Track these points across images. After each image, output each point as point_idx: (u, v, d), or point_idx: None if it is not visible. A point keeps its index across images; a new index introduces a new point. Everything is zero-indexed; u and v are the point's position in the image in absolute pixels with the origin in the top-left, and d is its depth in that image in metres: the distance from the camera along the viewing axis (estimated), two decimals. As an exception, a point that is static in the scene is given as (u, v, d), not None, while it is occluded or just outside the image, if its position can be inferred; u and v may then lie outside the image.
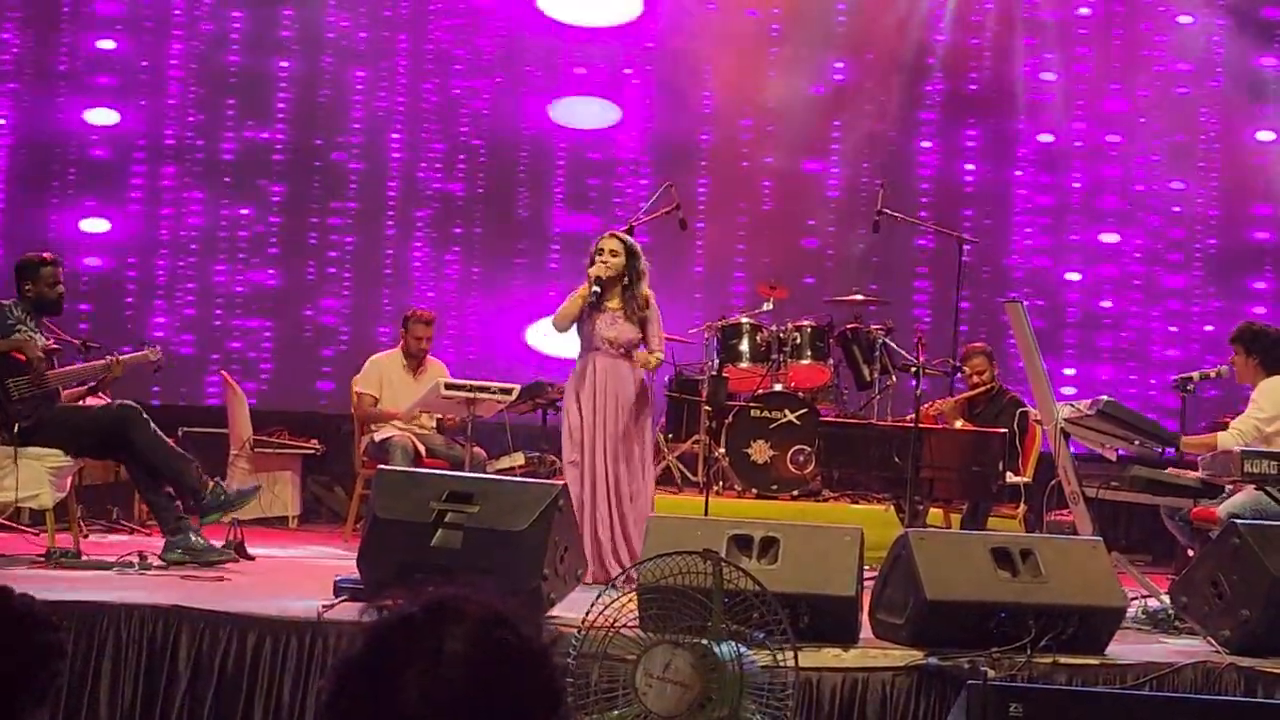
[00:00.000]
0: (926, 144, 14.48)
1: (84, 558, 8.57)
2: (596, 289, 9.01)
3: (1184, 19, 14.42)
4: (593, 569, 8.35)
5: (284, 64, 13.90)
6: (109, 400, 9.13)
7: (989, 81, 14.49)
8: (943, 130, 14.49)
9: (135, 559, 8.37)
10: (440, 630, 2.40)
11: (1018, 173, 14.52)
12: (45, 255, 9.17)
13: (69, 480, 8.92)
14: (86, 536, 9.40)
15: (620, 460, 8.95)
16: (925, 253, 14.13)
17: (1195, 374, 9.43)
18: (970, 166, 14.46)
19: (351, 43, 13.98)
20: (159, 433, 8.83)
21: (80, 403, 9.17)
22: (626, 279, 9.10)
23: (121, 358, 9.09)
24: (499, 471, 10.77)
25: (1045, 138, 14.49)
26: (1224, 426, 9.08)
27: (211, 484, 8.87)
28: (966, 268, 10.64)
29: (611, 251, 9.10)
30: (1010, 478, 9.85)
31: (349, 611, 6.77)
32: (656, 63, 14.26)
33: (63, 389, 8.96)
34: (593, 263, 9.11)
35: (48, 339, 8.95)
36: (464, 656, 2.39)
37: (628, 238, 9.36)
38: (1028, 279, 14.34)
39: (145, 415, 8.76)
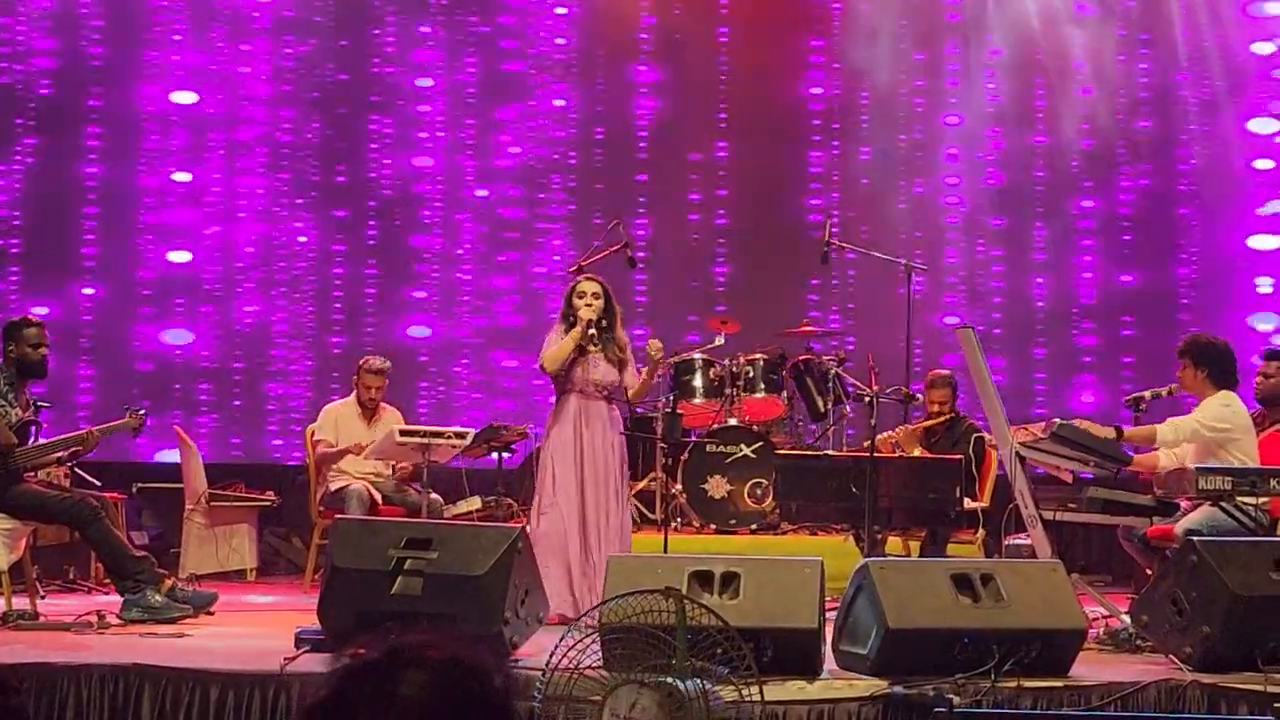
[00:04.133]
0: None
1: (42, 619, 8.53)
2: (592, 332, 9.11)
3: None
4: (571, 611, 8.48)
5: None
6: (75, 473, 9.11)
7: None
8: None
9: (94, 619, 8.32)
10: (397, 676, 2.40)
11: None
12: (29, 317, 9.13)
13: (24, 542, 8.88)
14: (43, 597, 9.33)
15: (601, 502, 9.03)
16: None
17: (1147, 392, 9.47)
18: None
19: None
20: (113, 531, 8.80)
21: (52, 472, 9.19)
22: (605, 321, 9.20)
23: (95, 429, 9.04)
24: (456, 516, 10.75)
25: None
26: None
27: (170, 583, 8.83)
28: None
29: (594, 294, 9.24)
30: (968, 503, 9.86)
31: (311, 663, 6.75)
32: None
33: (36, 464, 8.92)
34: (572, 306, 9.23)
35: (24, 411, 8.88)
36: (419, 702, 2.39)
37: (603, 281, 9.46)
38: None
39: (102, 513, 8.72)
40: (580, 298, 9.27)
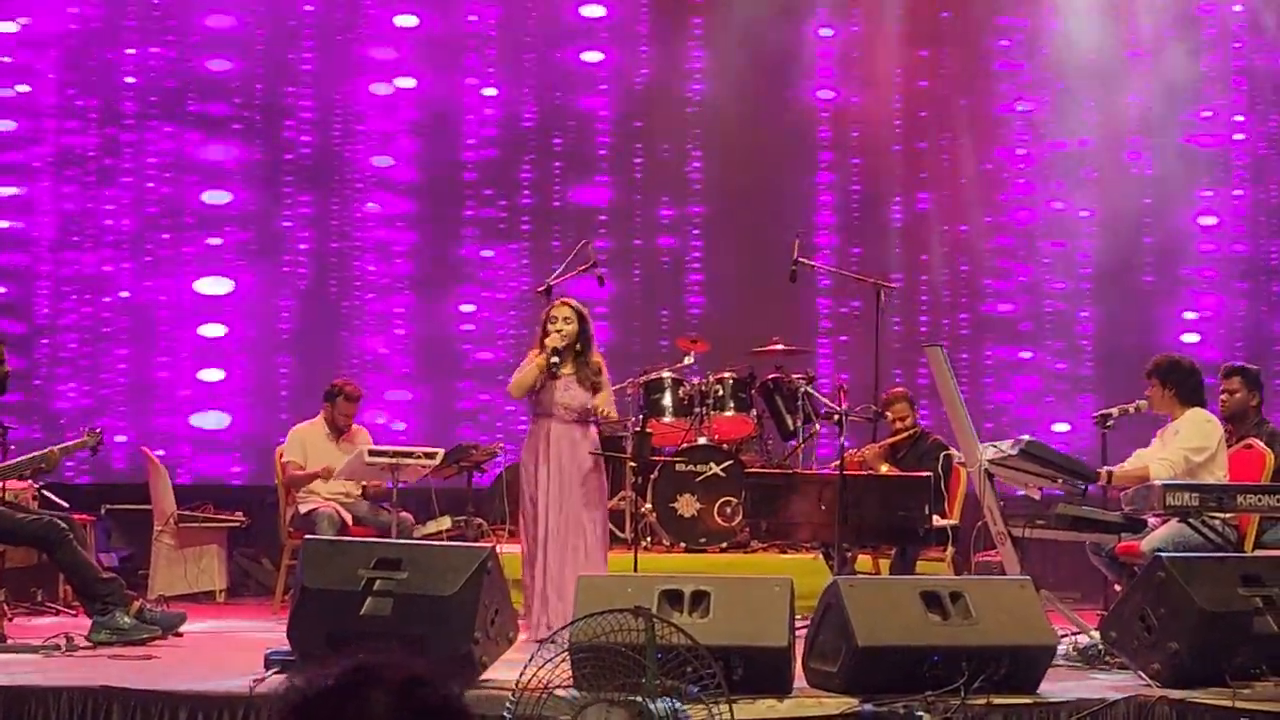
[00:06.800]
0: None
1: (9, 641, 8.50)
2: (555, 359, 9.12)
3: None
4: (542, 632, 8.46)
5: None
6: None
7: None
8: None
9: (62, 640, 8.29)
10: (362, 696, 2.40)
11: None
12: None
13: (-10, 564, 8.87)
14: (11, 620, 9.28)
15: (575, 524, 9.05)
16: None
17: (1115, 410, 9.49)
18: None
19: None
20: (81, 553, 8.77)
21: (20, 494, 9.16)
22: (579, 345, 9.20)
23: (56, 449, 9.01)
24: (426, 536, 10.73)
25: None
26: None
27: (138, 604, 8.80)
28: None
29: (565, 319, 9.24)
30: (937, 520, 9.88)
31: (281, 685, 6.73)
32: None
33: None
34: (545, 331, 9.23)
35: None
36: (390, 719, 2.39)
37: (579, 305, 9.46)
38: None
39: (70, 535, 8.68)
40: (552, 323, 9.27)
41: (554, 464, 9.12)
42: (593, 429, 9.37)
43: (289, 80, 14.11)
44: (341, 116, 14.14)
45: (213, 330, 13.85)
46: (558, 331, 9.21)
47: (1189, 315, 14.61)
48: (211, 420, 13.79)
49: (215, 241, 13.91)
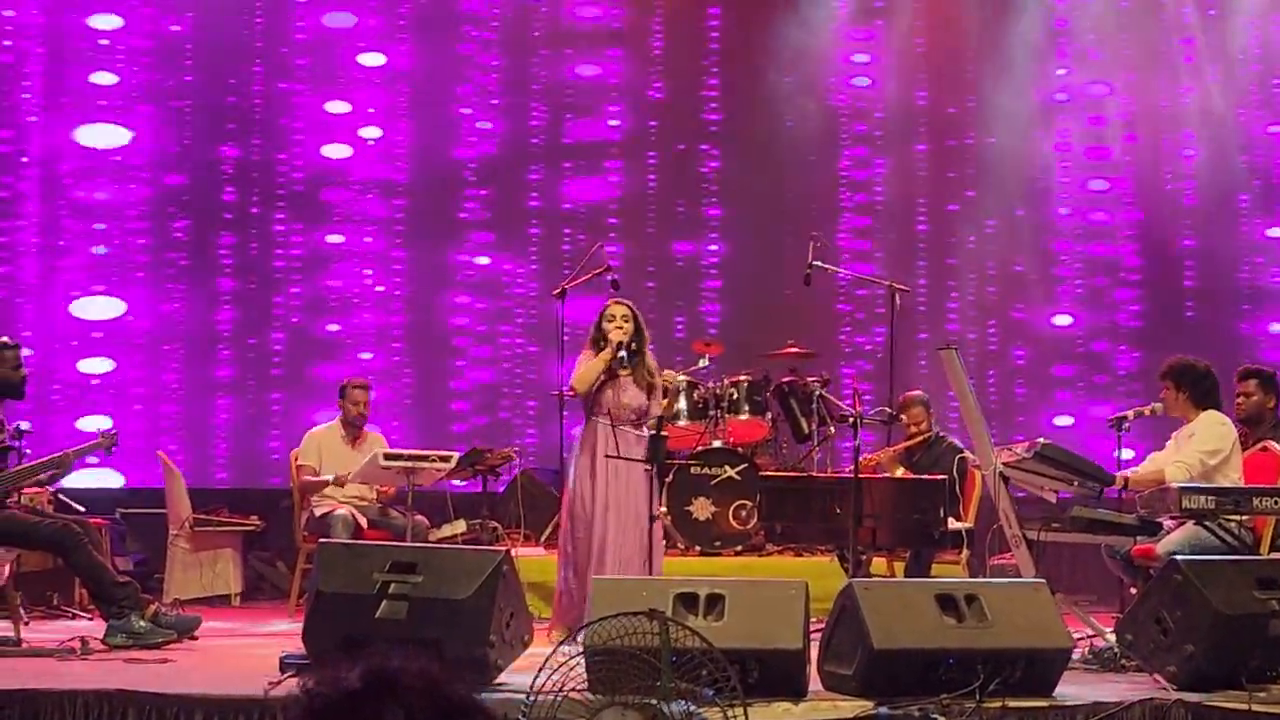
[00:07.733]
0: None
1: (25, 645, 8.51)
2: (623, 354, 9.17)
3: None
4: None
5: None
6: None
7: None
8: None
9: (77, 644, 8.31)
10: (384, 701, 2.40)
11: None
12: (6, 339, 9.11)
13: (6, 568, 8.87)
14: (27, 623, 9.30)
15: (632, 526, 9.04)
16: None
17: (1130, 412, 9.48)
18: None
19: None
20: (97, 557, 8.79)
21: (35, 498, 9.18)
22: (634, 344, 9.25)
23: (71, 451, 9.03)
24: (441, 539, 10.74)
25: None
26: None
27: (154, 608, 8.82)
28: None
29: (624, 317, 9.30)
30: (952, 523, 9.87)
31: (296, 687, 6.72)
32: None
33: (13, 488, 8.92)
34: (599, 329, 9.32)
35: (1, 437, 8.90)
36: None
37: (633, 305, 9.50)
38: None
39: (85, 539, 8.69)
40: (610, 320, 9.31)
41: (610, 465, 9.12)
42: (647, 431, 9.36)
43: (282, 77, 14.09)
44: (338, 114, 14.10)
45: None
46: (618, 329, 9.25)
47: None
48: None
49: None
